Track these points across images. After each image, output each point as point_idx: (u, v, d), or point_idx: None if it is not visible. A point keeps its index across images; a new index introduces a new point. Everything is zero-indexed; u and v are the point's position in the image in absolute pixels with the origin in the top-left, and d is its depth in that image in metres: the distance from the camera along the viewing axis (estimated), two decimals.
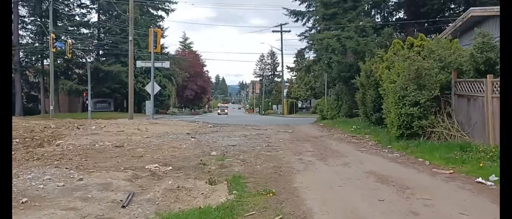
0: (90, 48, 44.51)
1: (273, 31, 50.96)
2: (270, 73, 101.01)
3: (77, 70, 44.37)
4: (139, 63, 27.52)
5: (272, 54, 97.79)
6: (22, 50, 40.88)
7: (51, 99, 33.44)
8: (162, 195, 5.24)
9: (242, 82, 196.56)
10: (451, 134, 9.70)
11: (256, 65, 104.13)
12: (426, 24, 25.30)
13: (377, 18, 28.30)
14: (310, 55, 33.75)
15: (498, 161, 6.88)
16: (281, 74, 60.59)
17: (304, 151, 9.99)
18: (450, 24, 16.84)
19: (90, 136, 11.70)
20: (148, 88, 24.49)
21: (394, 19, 28.19)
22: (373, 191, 5.69)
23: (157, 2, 49.85)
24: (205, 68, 79.75)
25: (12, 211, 3.93)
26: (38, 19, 40.96)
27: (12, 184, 5.06)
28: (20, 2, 39.86)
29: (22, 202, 4.71)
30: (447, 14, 25.30)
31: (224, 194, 5.40)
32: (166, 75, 50.37)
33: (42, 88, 41.54)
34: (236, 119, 31.93)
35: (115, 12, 41.75)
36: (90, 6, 44.91)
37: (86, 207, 4.66)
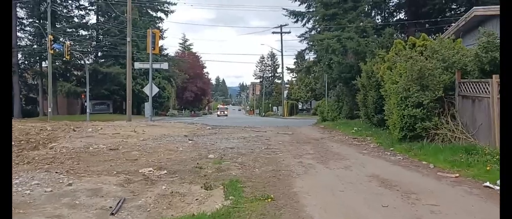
0: (89, 49, 44.36)
1: (273, 33, 50.82)
2: (270, 75, 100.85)
3: (75, 72, 44.20)
4: (137, 65, 27.27)
5: (272, 56, 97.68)
6: (20, 52, 40.69)
7: (49, 101, 33.22)
8: (154, 201, 4.97)
9: (242, 83, 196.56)
10: (456, 136, 9.43)
11: (256, 66, 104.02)
12: (427, 25, 25.10)
13: (378, 19, 28.13)
14: (310, 56, 33.55)
15: None
16: (281, 75, 60.35)
17: (304, 153, 9.72)
18: (452, 24, 16.61)
19: (85, 138, 11.44)
20: (146, 89, 24.24)
21: (394, 20, 28.01)
22: (376, 196, 5.42)
23: (156, 3, 49.69)
24: (205, 70, 79.72)
25: None
26: (36, 21, 40.80)
27: None
28: (18, 4, 39.64)
29: None
30: (448, 15, 25.09)
31: (220, 200, 5.13)
32: (165, 76, 50.17)
33: (40, 90, 41.31)
34: (236, 121, 31.64)
35: (114, 14, 41.59)
36: (88, 8, 44.81)
37: (73, 214, 4.39)
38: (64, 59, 34.34)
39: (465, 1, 24.06)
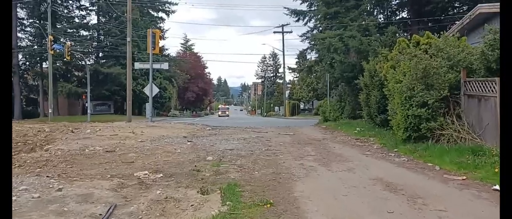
0: (90, 50, 44.16)
1: (275, 32, 50.58)
2: (272, 75, 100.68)
3: (76, 73, 43.99)
4: (137, 65, 27.06)
5: (274, 55, 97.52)
6: (21, 53, 40.53)
7: (50, 102, 33.05)
8: (147, 207, 4.72)
9: (244, 83, 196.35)
10: (461, 137, 9.15)
11: (258, 66, 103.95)
12: (429, 23, 24.78)
13: (380, 18, 27.83)
14: (312, 56, 33.32)
15: None
16: (283, 75, 60.06)
17: (306, 155, 9.46)
18: (456, 22, 16.32)
19: (81, 140, 11.21)
20: (146, 90, 24.02)
21: (397, 19, 27.70)
22: (381, 201, 5.16)
23: (157, 3, 49.49)
24: (206, 70, 79.48)
25: None
26: (37, 21, 40.61)
27: None
28: (18, 4, 39.50)
29: None
30: (450, 13, 24.78)
31: (216, 206, 4.89)
32: (166, 77, 49.97)
33: (41, 91, 41.15)
34: (237, 121, 31.40)
35: (115, 14, 41.41)
36: (89, 8, 44.61)
37: None
38: (65, 59, 34.16)
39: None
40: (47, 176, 6.14)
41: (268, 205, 4.95)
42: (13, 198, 4.92)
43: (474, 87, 9.18)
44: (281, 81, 74.80)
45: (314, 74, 35.36)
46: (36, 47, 40.78)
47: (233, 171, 7.22)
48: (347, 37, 19.10)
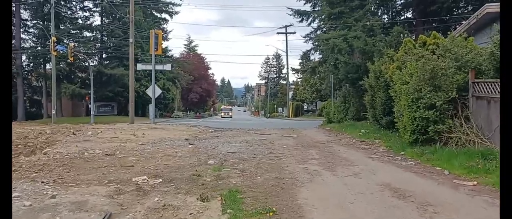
0: (93, 51, 44.11)
1: (278, 33, 50.28)
2: (275, 76, 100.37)
3: (80, 74, 44.00)
4: (140, 66, 26.89)
5: (278, 56, 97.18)
6: (24, 54, 40.56)
7: (53, 104, 33.01)
8: (143, 216, 4.49)
9: (248, 84, 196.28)
10: (470, 140, 8.87)
11: (262, 67, 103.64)
12: (434, 24, 24.46)
13: (384, 18, 27.52)
14: (316, 57, 33.05)
15: None
16: (286, 76, 59.79)
17: (310, 158, 9.21)
18: (463, 22, 16.01)
19: (81, 143, 11.02)
20: (149, 91, 23.84)
21: (401, 19, 27.38)
22: (390, 210, 4.91)
23: (161, 4, 49.42)
24: (210, 71, 79.36)
25: None
26: (40, 23, 40.65)
27: None
28: (22, 6, 39.54)
29: None
30: (455, 13, 24.44)
31: (216, 214, 4.66)
32: (170, 78, 49.85)
33: (44, 92, 41.16)
34: (240, 122, 31.17)
35: (118, 15, 41.34)
36: (93, 9, 44.61)
37: None
38: (68, 61, 34.10)
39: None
40: (42, 182, 5.94)
41: (271, 214, 4.72)
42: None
43: (483, 88, 8.92)
44: (284, 82, 74.50)
45: (318, 75, 35.07)
46: (39, 48, 40.80)
47: (235, 176, 6.99)
48: (352, 37, 18.82)
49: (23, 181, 6.00)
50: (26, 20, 42.08)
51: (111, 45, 43.78)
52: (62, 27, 40.55)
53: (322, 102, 44.69)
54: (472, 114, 9.24)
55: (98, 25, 44.75)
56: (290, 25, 48.13)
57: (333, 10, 21.52)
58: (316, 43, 28.37)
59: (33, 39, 42.87)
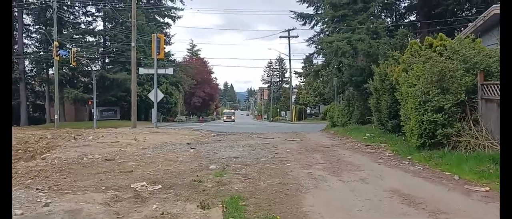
0: (96, 56, 44.10)
1: (281, 37, 50.24)
2: (278, 79, 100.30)
3: (82, 79, 44.01)
4: (142, 70, 26.80)
5: (280, 60, 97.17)
6: (27, 59, 40.59)
7: (56, 108, 32.93)
8: None
9: (251, 88, 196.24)
10: (479, 143, 8.59)
11: (264, 71, 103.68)
12: (438, 26, 24.23)
13: (388, 21, 27.32)
14: (319, 60, 32.88)
15: None
16: (289, 80, 59.59)
17: (314, 163, 8.96)
18: (469, 24, 15.75)
19: (81, 147, 10.82)
20: (151, 95, 23.70)
21: (405, 22, 27.15)
22: (401, 218, 4.65)
23: (163, 9, 49.42)
24: (212, 75, 79.30)
25: None
26: (43, 28, 40.67)
27: None
28: (24, 11, 39.61)
29: None
30: (459, 16, 24.19)
31: None
32: (172, 82, 49.73)
33: (47, 97, 41.13)
34: (243, 126, 30.93)
35: (121, 20, 41.33)
36: (95, 14, 44.63)
37: None
38: (71, 65, 34.04)
39: (479, 2, 23.14)
40: (37, 189, 5.72)
41: None
42: None
43: (492, 91, 8.65)
44: (287, 86, 74.35)
45: (321, 79, 34.85)
46: (42, 53, 40.83)
47: (237, 181, 6.75)
48: (356, 40, 18.60)
49: (17, 188, 5.78)
50: (29, 25, 42.16)
51: (114, 49, 43.76)
52: (65, 32, 40.59)
53: (325, 106, 44.39)
54: (482, 117, 8.97)
55: (101, 30, 44.78)
56: (293, 29, 48.13)
57: (336, 13, 21.32)
58: (319, 46, 28.21)
59: (36, 44, 42.93)
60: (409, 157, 9.40)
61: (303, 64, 46.95)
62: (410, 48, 12.05)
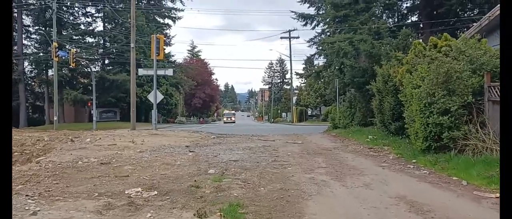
0: (96, 57, 43.86)
1: (282, 37, 50.03)
2: (279, 81, 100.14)
3: (82, 80, 43.76)
4: (141, 71, 26.55)
5: (281, 61, 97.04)
6: (26, 60, 40.39)
7: (55, 110, 32.70)
8: None
9: (251, 90, 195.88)
10: (487, 147, 8.31)
11: (265, 72, 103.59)
12: (441, 27, 23.98)
13: (389, 22, 27.07)
14: (320, 61, 32.64)
15: None
16: (290, 81, 59.35)
17: (316, 167, 8.69)
18: (474, 24, 15.48)
19: (77, 150, 10.56)
20: (150, 97, 23.43)
21: (407, 22, 26.90)
22: None
23: (164, 10, 49.20)
24: (213, 76, 79.00)
25: None
26: (42, 28, 40.48)
27: None
28: (24, 12, 39.41)
29: None
30: (462, 16, 23.95)
31: None
32: (173, 83, 49.47)
33: (46, 98, 40.91)
34: (244, 128, 30.66)
35: (121, 20, 41.11)
36: (95, 15, 44.42)
37: None
38: (71, 66, 33.82)
39: (483, 2, 22.89)
40: (26, 195, 5.45)
41: None
42: None
43: (499, 92, 8.38)
44: (288, 87, 74.08)
45: (322, 80, 34.59)
46: (41, 54, 40.60)
47: (237, 187, 6.48)
48: (358, 40, 18.34)
49: None
50: (28, 26, 41.97)
51: (114, 50, 43.52)
52: (64, 33, 40.38)
53: (327, 107, 44.17)
54: (489, 119, 8.70)
55: (101, 30, 44.56)
56: (294, 30, 48.01)
57: (338, 13, 21.07)
58: (321, 47, 27.97)
59: (36, 45, 42.72)
60: (413, 160, 9.13)
61: (304, 65, 46.73)
62: (414, 49, 11.79)
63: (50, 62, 36.63)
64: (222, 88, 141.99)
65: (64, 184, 6.39)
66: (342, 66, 19.91)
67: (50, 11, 36.09)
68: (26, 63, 40.68)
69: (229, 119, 73.25)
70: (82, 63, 37.35)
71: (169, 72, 27.64)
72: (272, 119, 72.62)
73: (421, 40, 18.01)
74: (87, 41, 43.20)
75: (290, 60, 51.85)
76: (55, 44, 30.34)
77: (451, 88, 8.65)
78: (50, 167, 8.12)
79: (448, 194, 6.08)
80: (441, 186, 6.60)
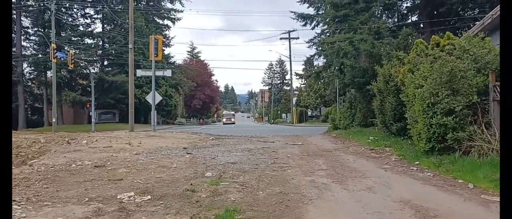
0: (94, 58, 43.62)
1: (281, 38, 49.69)
2: (279, 82, 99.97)
3: (81, 81, 43.55)
4: (140, 72, 26.33)
5: (281, 62, 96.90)
6: (25, 62, 40.17)
7: (54, 111, 32.46)
8: None
9: (251, 91, 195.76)
10: (493, 148, 8.05)
11: (265, 73, 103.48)
12: (442, 26, 23.76)
13: (389, 22, 26.85)
14: (319, 62, 32.43)
15: None
16: (290, 82, 59.13)
17: (317, 169, 8.44)
18: (477, 23, 15.25)
19: (71, 153, 10.31)
20: (149, 98, 23.21)
21: (408, 22, 26.67)
22: None
23: (163, 11, 48.99)
24: (213, 77, 78.75)
25: None
26: (41, 30, 40.29)
27: None
28: (23, 13, 39.21)
29: None
30: (462, 15, 23.72)
31: None
32: (172, 84, 49.24)
33: (45, 99, 40.68)
34: (243, 129, 30.40)
35: (120, 22, 40.90)
36: (94, 16, 44.22)
37: None
38: (69, 68, 33.60)
39: (484, 1, 22.65)
40: (14, 200, 5.21)
41: None
42: None
43: None
44: (288, 88, 73.87)
45: (322, 80, 34.36)
46: (40, 55, 40.37)
47: (234, 190, 6.24)
48: (358, 40, 18.11)
49: None
50: (27, 27, 41.76)
51: (113, 52, 43.29)
52: (63, 34, 40.18)
53: (327, 108, 43.90)
54: (494, 120, 8.45)
55: (99, 32, 44.30)
56: (294, 30, 47.75)
57: (338, 13, 20.85)
58: (320, 47, 27.75)
59: (34, 46, 42.52)
60: (417, 162, 8.88)
61: (303, 66, 46.48)
62: (415, 48, 11.54)
63: (49, 64, 36.40)
64: (222, 89, 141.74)
65: (54, 188, 6.14)
66: (342, 66, 19.68)
67: (49, 12, 35.86)
68: (25, 65, 40.46)
69: (228, 120, 72.88)
70: (81, 64, 37.10)
71: (168, 73, 27.44)
72: (272, 120, 72.35)
73: (422, 39, 17.79)
74: (86, 42, 42.97)
75: (290, 61, 51.61)
76: (53, 45, 30.12)
77: (455, 87, 8.40)
78: (42, 170, 7.88)
79: (455, 197, 5.83)
80: (446, 189, 6.35)
